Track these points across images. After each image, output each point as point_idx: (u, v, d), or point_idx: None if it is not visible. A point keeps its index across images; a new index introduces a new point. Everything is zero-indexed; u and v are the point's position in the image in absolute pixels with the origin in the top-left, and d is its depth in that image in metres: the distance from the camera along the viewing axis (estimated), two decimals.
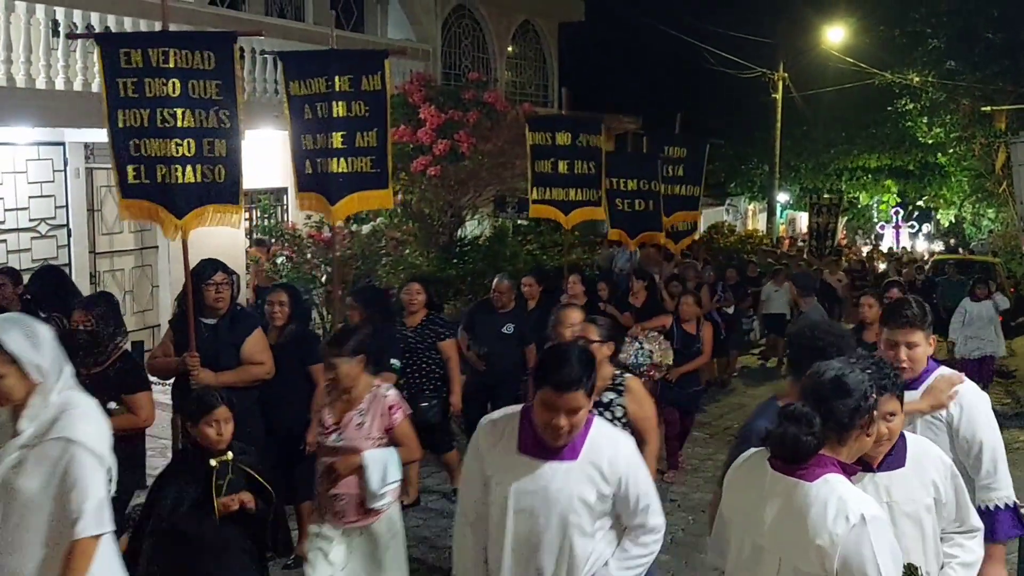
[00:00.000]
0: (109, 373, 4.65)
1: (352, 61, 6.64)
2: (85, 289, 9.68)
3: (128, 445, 4.56)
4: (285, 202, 12.46)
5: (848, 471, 2.54)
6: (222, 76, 5.46)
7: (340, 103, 6.41)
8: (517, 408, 3.09)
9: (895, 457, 2.83)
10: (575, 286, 8.21)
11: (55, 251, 10.34)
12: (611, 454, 2.96)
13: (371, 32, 15.94)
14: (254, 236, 11.96)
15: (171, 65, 5.33)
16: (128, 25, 10.21)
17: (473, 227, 12.77)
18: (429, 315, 6.64)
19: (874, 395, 2.58)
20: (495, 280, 7.51)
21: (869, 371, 2.63)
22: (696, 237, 13.16)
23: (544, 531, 2.89)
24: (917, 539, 2.81)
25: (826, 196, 22.91)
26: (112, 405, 4.48)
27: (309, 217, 11.05)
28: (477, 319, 7.39)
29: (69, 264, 10.25)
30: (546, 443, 2.89)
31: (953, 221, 29.36)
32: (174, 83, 5.35)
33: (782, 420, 2.53)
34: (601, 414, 3.78)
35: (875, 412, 2.58)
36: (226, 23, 12.25)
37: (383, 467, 4.05)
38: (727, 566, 2.75)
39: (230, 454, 3.81)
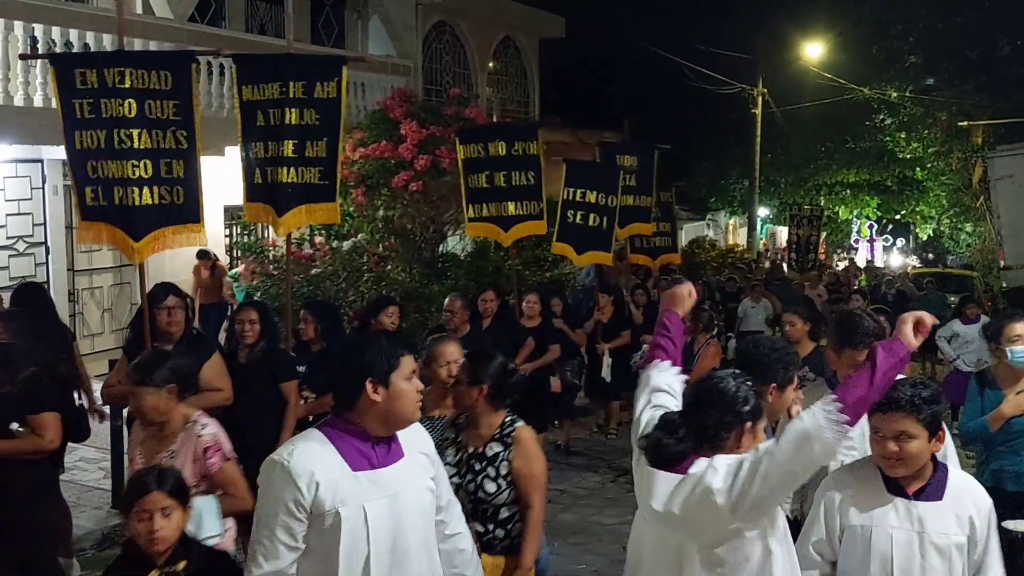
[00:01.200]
0: (17, 392, 4.33)
1: (308, 66, 6.35)
2: (63, 307, 9.60)
3: (35, 470, 4.36)
4: None
5: None
6: (179, 96, 5.35)
7: (293, 110, 6.15)
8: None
9: (934, 488, 2.74)
10: (532, 306, 7.98)
11: (33, 269, 10.25)
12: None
13: (352, 48, 15.95)
14: (235, 252, 11.93)
15: (127, 85, 5.22)
16: (108, 42, 10.17)
17: (455, 242, 12.74)
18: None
19: (747, 408, 2.57)
20: (446, 300, 7.09)
21: (749, 383, 2.64)
22: (676, 253, 12.88)
23: None
24: (944, 575, 2.72)
25: (807, 207, 22.59)
26: (14, 426, 4.25)
27: (289, 234, 11.03)
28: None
29: (47, 282, 10.16)
30: None
31: (932, 235, 29.62)
32: (130, 103, 5.25)
33: (655, 427, 2.59)
34: (483, 470, 3.49)
35: (748, 425, 2.57)
36: (206, 41, 12.22)
37: (196, 520, 3.29)
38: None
39: (182, 564, 2.84)
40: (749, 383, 2.63)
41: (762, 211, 28.65)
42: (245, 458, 4.02)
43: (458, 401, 3.67)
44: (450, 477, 3.25)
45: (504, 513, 3.51)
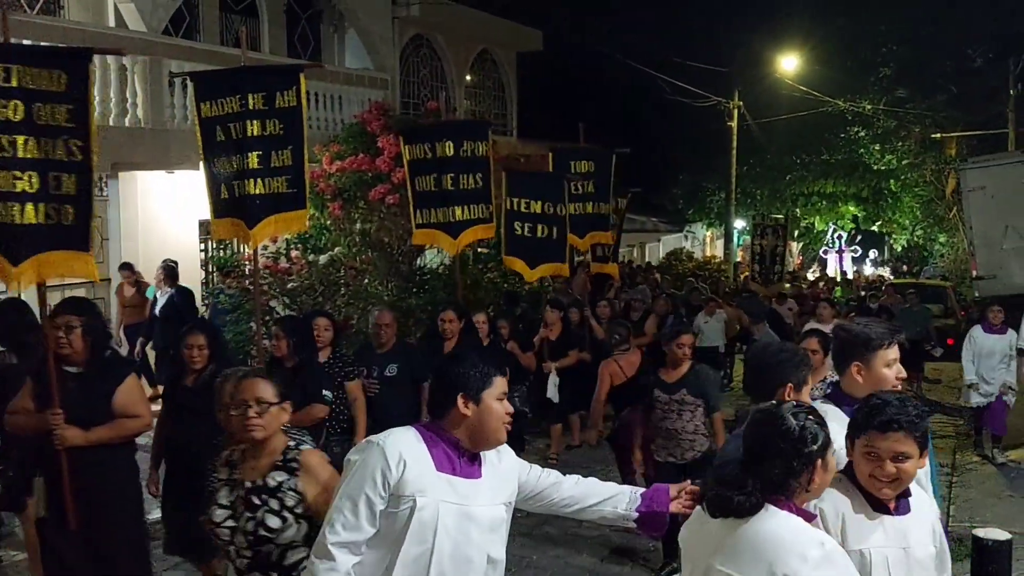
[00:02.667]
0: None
1: (265, 78, 6.26)
2: None
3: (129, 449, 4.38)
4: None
5: (802, 515, 2.42)
6: (75, 100, 4.73)
7: (254, 122, 6.04)
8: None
9: (904, 502, 2.71)
10: (483, 326, 7.60)
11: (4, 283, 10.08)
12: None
13: (328, 61, 15.90)
14: (210, 267, 11.82)
15: (13, 84, 4.55)
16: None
17: (433, 256, 12.67)
18: (335, 352, 6.21)
19: (815, 445, 2.41)
20: (375, 313, 6.76)
21: (812, 416, 2.47)
22: (614, 264, 12.40)
23: None
24: None
25: (773, 217, 22.38)
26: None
27: (265, 248, 10.95)
28: (362, 362, 6.54)
29: (19, 295, 9.99)
30: None
31: (906, 246, 29.92)
32: (16, 105, 4.57)
33: (715, 483, 2.46)
34: (264, 504, 3.03)
35: (819, 462, 2.43)
36: (180, 54, 12.15)
37: None
38: None
39: None
40: (812, 415, 2.47)
41: (739, 223, 28.84)
42: (198, 481, 3.81)
43: (234, 429, 3.18)
44: (222, 522, 3.06)
45: (291, 557, 3.04)
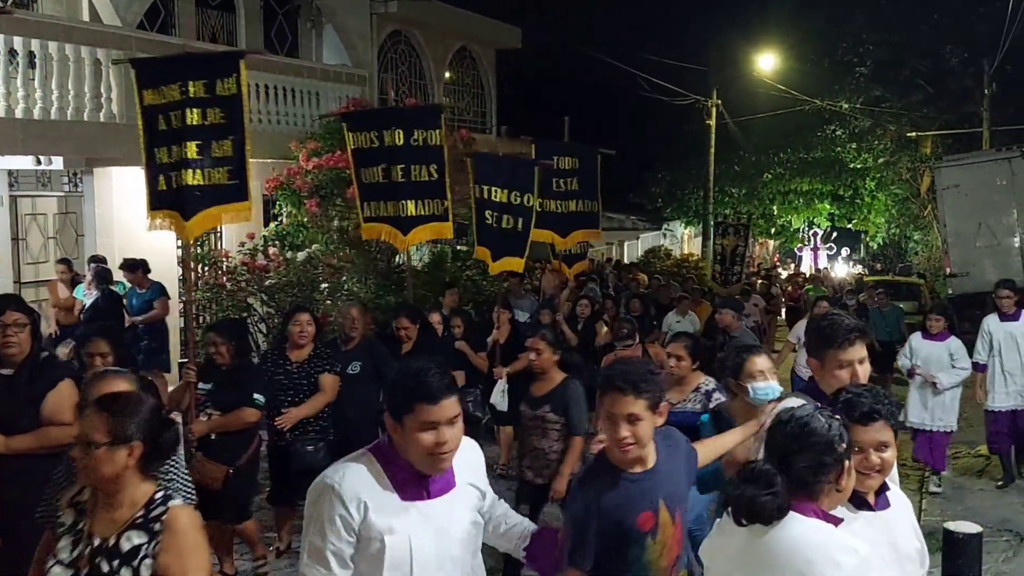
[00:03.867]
0: None
1: (206, 64, 6.07)
2: None
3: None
4: (218, 230, 12.22)
5: (828, 520, 2.37)
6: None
7: (195, 110, 5.81)
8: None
9: (883, 497, 2.68)
10: (437, 326, 7.35)
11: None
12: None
13: (306, 57, 15.82)
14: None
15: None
16: (54, 49, 9.97)
17: (412, 252, 12.65)
18: (317, 349, 6.02)
19: (844, 444, 2.40)
20: (343, 307, 6.56)
21: (838, 416, 2.46)
22: (588, 260, 11.80)
23: None
24: None
25: (737, 214, 22.04)
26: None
27: (242, 245, 10.89)
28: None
29: None
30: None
31: (882, 243, 30.19)
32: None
33: (740, 482, 2.37)
34: (112, 573, 2.50)
35: (847, 463, 2.41)
36: (155, 48, 12.03)
37: None
38: None
39: None
40: (837, 417, 2.45)
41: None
42: None
43: (88, 469, 2.57)
44: None
45: None
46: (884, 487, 2.68)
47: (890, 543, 2.61)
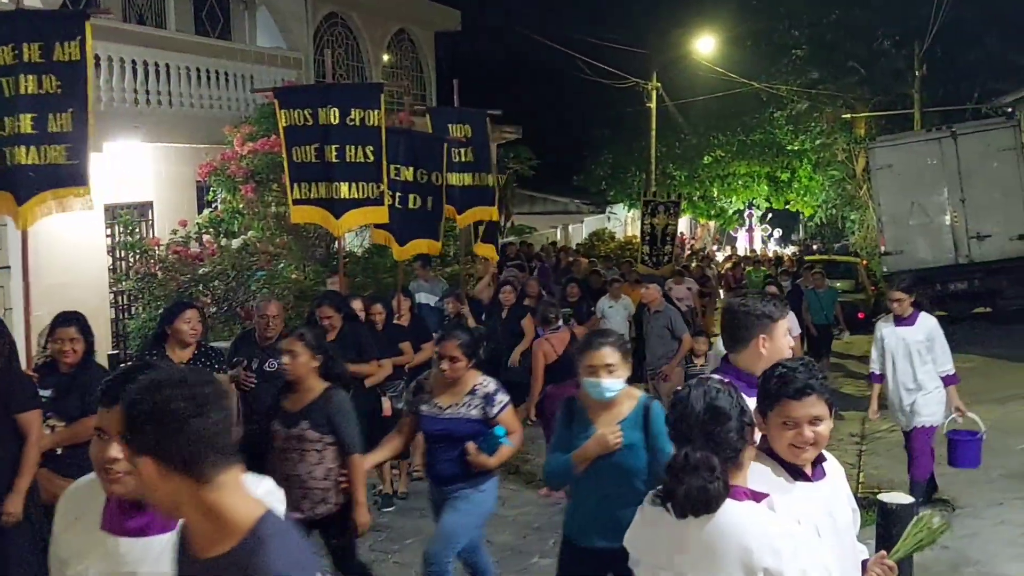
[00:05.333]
0: None
1: (45, 25, 5.43)
2: None
3: None
4: (150, 217, 11.90)
5: (756, 497, 2.40)
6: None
7: (29, 77, 5.19)
8: None
9: (820, 468, 2.71)
10: (334, 319, 6.66)
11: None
12: None
13: (239, 39, 15.45)
14: (117, 253, 11.38)
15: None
16: None
17: (352, 238, 12.47)
18: (202, 347, 5.54)
19: (747, 415, 2.45)
20: (258, 303, 6.13)
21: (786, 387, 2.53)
22: (515, 243, 11.52)
23: None
24: (851, 549, 2.72)
25: (665, 193, 20.08)
26: None
27: (175, 232, 10.61)
28: (241, 353, 5.96)
29: None
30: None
31: (820, 223, 30.74)
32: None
33: (678, 473, 2.31)
34: None
35: (753, 424, 2.47)
36: None
37: None
38: None
39: None
40: (721, 386, 2.47)
41: None
42: None
43: None
44: None
45: None
46: (820, 458, 2.70)
47: (828, 512, 2.64)
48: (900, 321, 6.81)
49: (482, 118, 9.45)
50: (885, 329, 6.93)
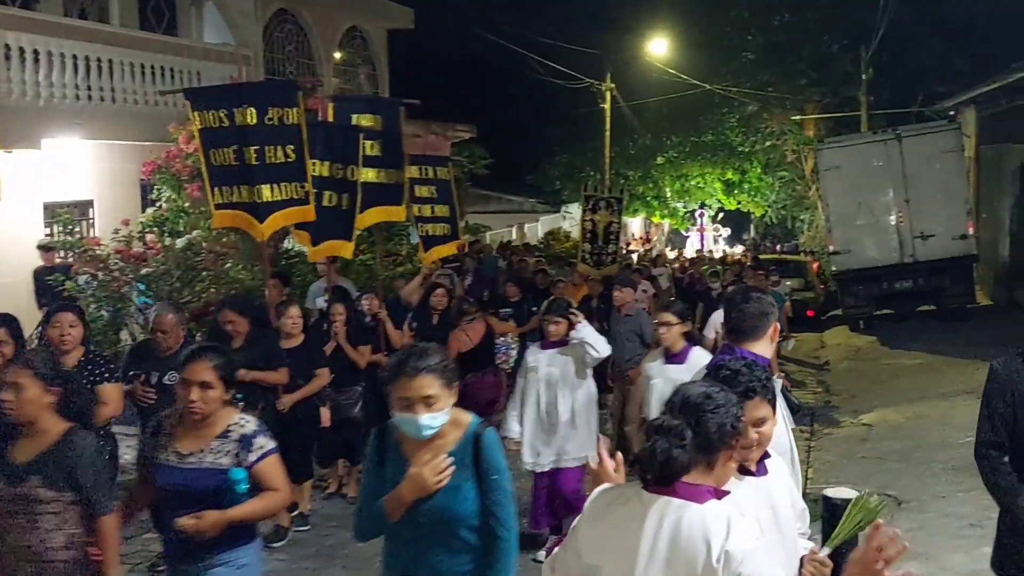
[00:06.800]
0: None
1: None
2: None
3: None
4: (91, 215, 11.61)
5: (719, 495, 2.38)
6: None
7: None
8: None
9: (763, 464, 2.74)
10: (295, 322, 6.57)
11: None
12: None
13: (185, 35, 15.17)
14: (59, 252, 11.06)
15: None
16: None
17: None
18: (88, 354, 5.12)
19: (742, 416, 2.43)
20: (153, 313, 5.80)
21: (731, 390, 2.49)
22: (460, 243, 10.24)
23: None
24: (792, 542, 2.74)
25: (606, 189, 18.53)
26: None
27: (117, 231, 10.35)
28: (140, 365, 5.61)
29: None
30: None
31: (771, 223, 31.14)
32: None
33: (651, 433, 2.30)
34: None
35: (739, 439, 2.43)
36: (19, 24, 11.33)
37: None
38: None
39: None
40: (733, 389, 2.47)
41: None
42: None
43: None
44: None
45: None
46: (765, 455, 2.74)
47: (770, 506, 2.67)
48: (670, 357, 5.82)
49: (396, 109, 8.80)
50: (653, 368, 5.90)
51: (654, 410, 5.38)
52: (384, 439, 3.13)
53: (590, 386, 6.18)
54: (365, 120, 8.20)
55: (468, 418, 3.14)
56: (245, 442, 3.44)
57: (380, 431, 3.16)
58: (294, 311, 6.66)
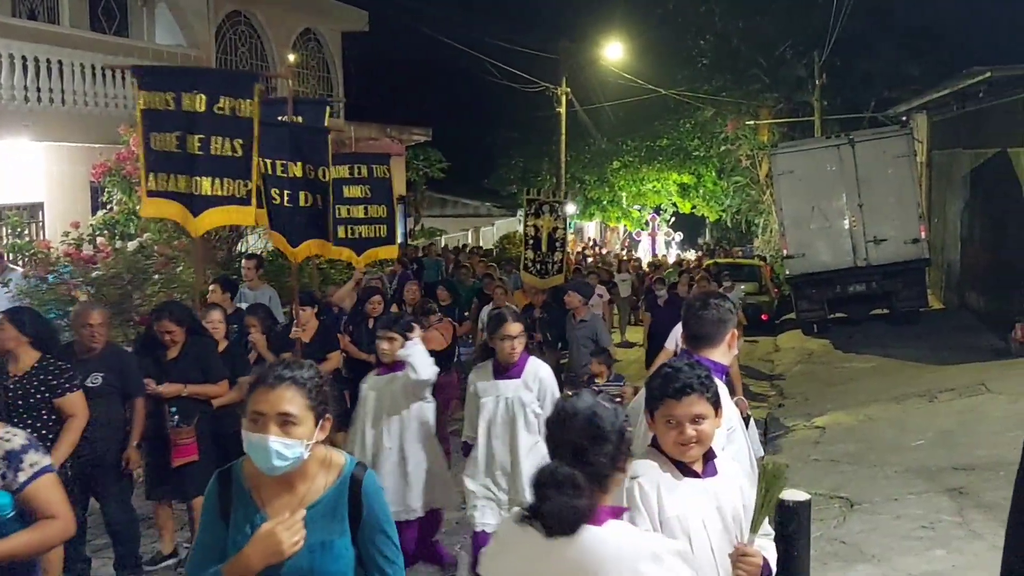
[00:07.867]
0: None
1: None
2: None
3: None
4: (40, 218, 11.36)
5: (616, 515, 2.34)
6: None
7: None
8: None
9: (711, 465, 2.73)
10: (219, 326, 6.27)
11: None
12: None
13: (136, 36, 14.90)
14: (6, 256, 10.80)
15: None
16: None
17: (255, 240, 12.10)
18: (43, 360, 4.84)
19: (629, 427, 2.40)
20: (78, 309, 5.64)
21: (616, 399, 2.45)
22: (392, 246, 9.52)
23: None
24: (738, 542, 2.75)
25: (551, 192, 17.98)
26: None
27: (67, 234, 10.14)
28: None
29: None
30: None
31: (726, 227, 31.51)
32: None
33: (542, 488, 2.21)
34: None
35: (630, 452, 2.41)
36: None
37: None
38: None
39: None
40: (616, 401, 2.40)
41: (569, 208, 29.44)
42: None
43: None
44: None
45: None
46: (711, 455, 2.73)
47: (716, 507, 2.68)
48: (500, 371, 5.03)
49: (320, 108, 8.57)
50: (480, 382, 5.10)
51: (482, 433, 4.98)
52: (228, 481, 2.48)
53: (425, 416, 5.15)
54: (293, 120, 7.64)
55: (342, 459, 2.54)
56: (12, 459, 2.77)
57: (226, 471, 2.51)
58: (215, 315, 6.37)
